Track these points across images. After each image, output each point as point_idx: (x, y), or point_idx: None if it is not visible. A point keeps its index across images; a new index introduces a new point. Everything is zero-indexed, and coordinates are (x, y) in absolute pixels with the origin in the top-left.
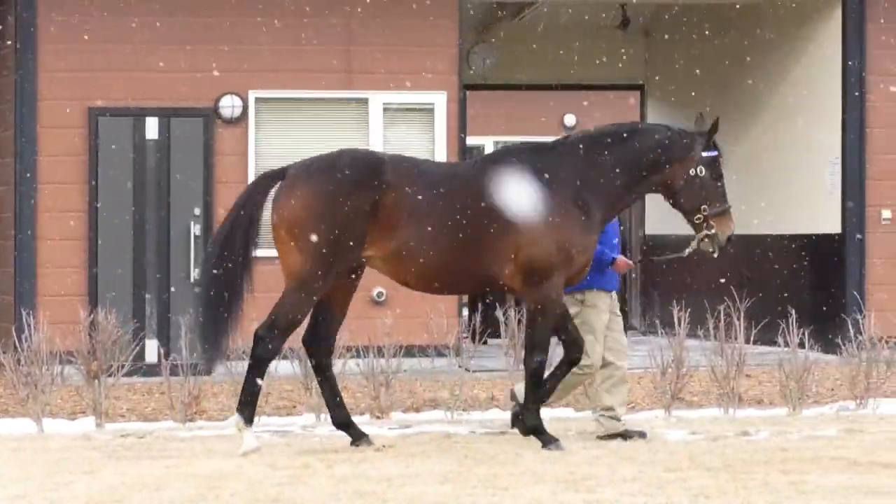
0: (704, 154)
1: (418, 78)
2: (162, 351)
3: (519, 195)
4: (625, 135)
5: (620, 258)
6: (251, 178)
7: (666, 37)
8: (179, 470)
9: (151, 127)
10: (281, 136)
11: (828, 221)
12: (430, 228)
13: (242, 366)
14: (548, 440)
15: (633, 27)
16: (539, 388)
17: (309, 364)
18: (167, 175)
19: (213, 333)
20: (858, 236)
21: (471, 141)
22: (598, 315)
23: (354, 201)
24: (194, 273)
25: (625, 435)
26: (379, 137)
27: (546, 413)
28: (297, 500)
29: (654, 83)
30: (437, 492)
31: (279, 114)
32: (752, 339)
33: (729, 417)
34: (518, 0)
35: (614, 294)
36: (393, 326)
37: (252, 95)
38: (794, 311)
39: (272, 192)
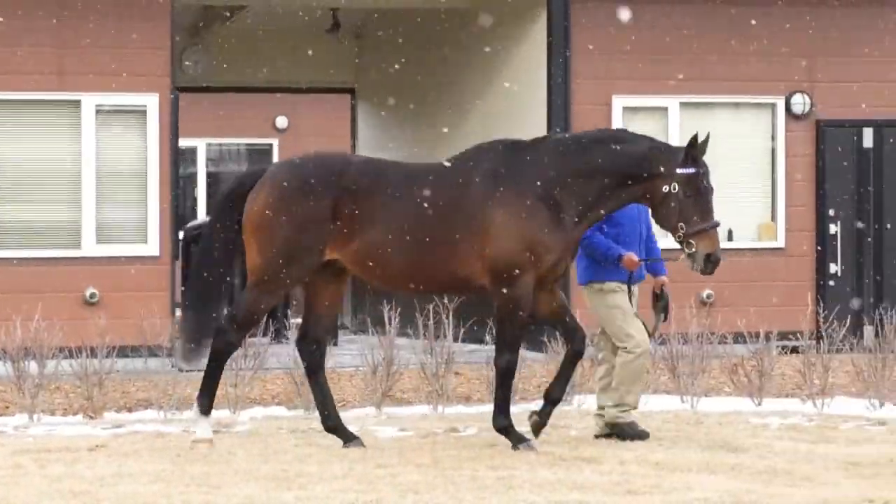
0: (679, 171)
1: (131, 79)
2: None
3: (486, 193)
4: (604, 141)
5: (628, 255)
6: None
7: (377, 41)
8: None
9: None
10: None
11: None
12: (395, 229)
13: None
14: (517, 440)
15: (345, 31)
16: (506, 388)
17: (22, 364)
18: None
19: (195, 332)
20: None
21: (184, 143)
22: (613, 295)
23: (313, 204)
24: None
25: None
26: (92, 140)
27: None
28: (10, 500)
29: (365, 86)
30: (150, 491)
31: None
32: (460, 337)
33: (438, 414)
34: (229, 3)
35: (635, 287)
36: (106, 327)
37: None
38: None
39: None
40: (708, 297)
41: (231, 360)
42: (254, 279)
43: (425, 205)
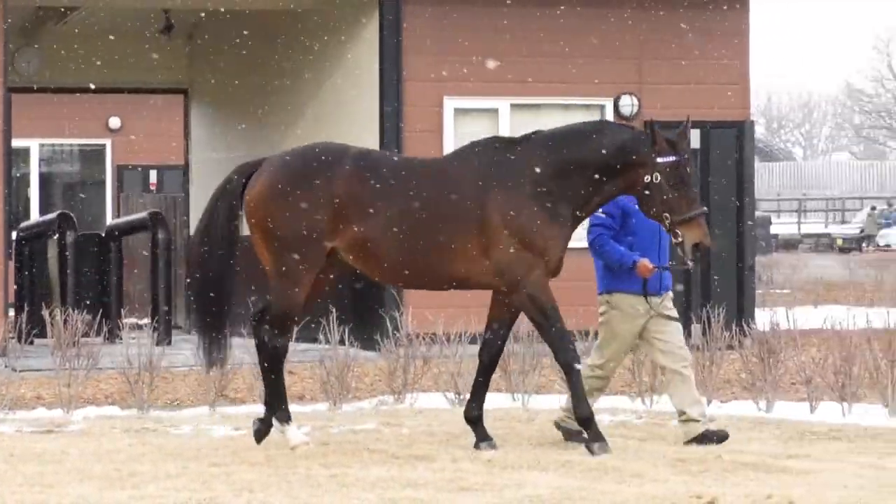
0: (660, 160)
1: None
2: None
3: (480, 192)
4: (589, 134)
5: (642, 262)
6: None
7: (210, 42)
8: None
9: None
10: None
11: None
12: (388, 222)
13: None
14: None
15: (178, 32)
16: (576, 384)
17: None
18: None
19: (212, 334)
20: None
21: (17, 143)
22: (622, 319)
23: (309, 193)
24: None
25: (703, 438)
26: None
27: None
28: None
29: (198, 87)
30: None
31: None
32: (294, 336)
33: None
34: (61, 4)
35: (667, 294)
36: None
37: None
38: (334, 310)
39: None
40: None
41: (65, 360)
42: (271, 274)
43: (419, 199)
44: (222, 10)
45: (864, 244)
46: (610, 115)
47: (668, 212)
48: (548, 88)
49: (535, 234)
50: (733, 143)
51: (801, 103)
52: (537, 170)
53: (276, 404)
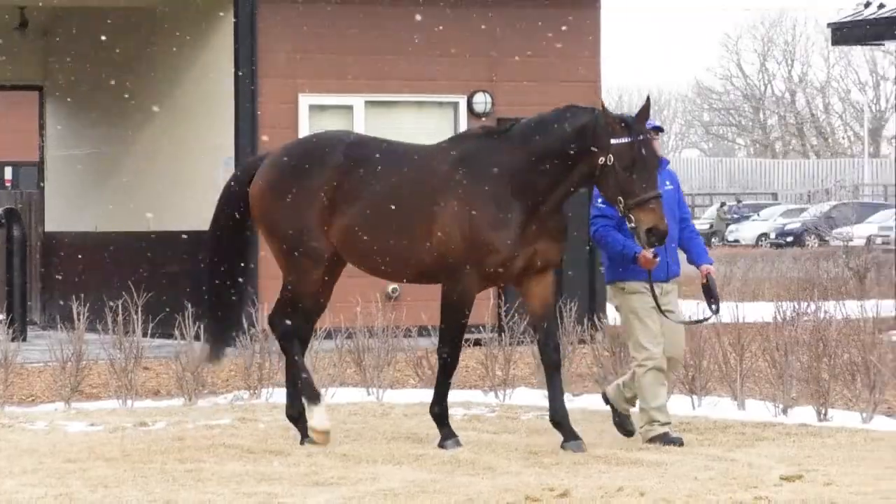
0: (613, 141)
1: None
2: None
3: (444, 182)
4: (555, 121)
5: (643, 254)
6: None
7: (67, 39)
8: None
9: None
10: None
11: None
12: (367, 212)
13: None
14: (446, 435)
15: (33, 28)
16: (445, 382)
17: None
18: None
19: (217, 325)
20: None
21: None
22: (636, 298)
23: (304, 183)
24: None
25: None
26: None
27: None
28: None
29: (54, 84)
30: None
31: None
32: (150, 332)
33: (127, 409)
34: None
35: (675, 283)
36: None
37: None
38: (190, 305)
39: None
40: (393, 291)
41: None
42: (281, 266)
43: (396, 188)
44: (76, 6)
45: (713, 240)
46: (464, 113)
47: (622, 195)
48: (402, 86)
49: (474, 238)
50: None
51: (652, 101)
52: (505, 162)
53: (305, 387)
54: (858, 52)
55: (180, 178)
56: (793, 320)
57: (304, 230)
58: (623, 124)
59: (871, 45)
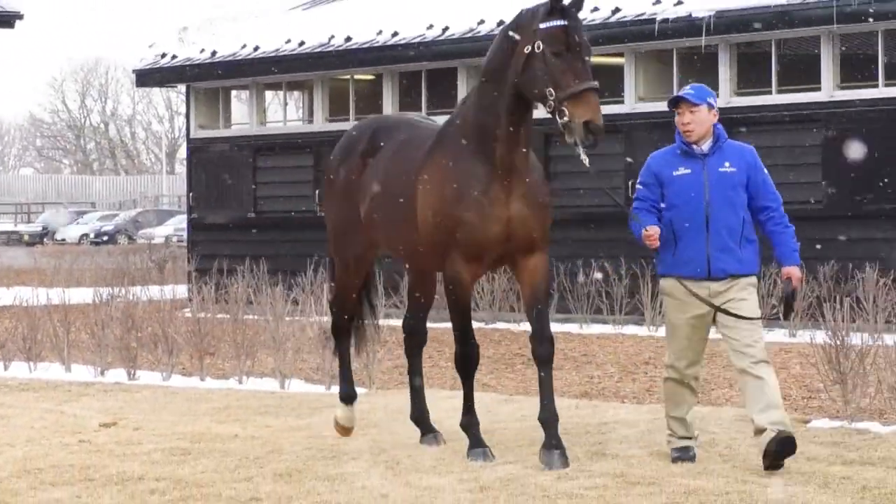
0: (542, 26)
1: None
2: None
3: (417, 160)
4: (490, 49)
5: (645, 232)
6: None
7: None
8: None
9: None
10: None
11: None
12: (378, 196)
13: None
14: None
15: None
16: (466, 384)
17: None
18: None
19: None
20: None
21: None
22: (675, 307)
23: (343, 169)
24: None
25: (772, 452)
26: None
27: None
28: None
29: None
30: None
31: None
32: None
33: None
34: None
35: (737, 282)
36: None
37: None
38: None
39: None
40: None
41: None
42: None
43: (394, 172)
44: None
45: (45, 239)
46: None
47: (553, 86)
48: None
49: (443, 217)
50: None
51: None
52: (464, 117)
53: (342, 380)
54: (157, 93)
55: None
56: (108, 301)
57: (345, 217)
58: (555, 6)
59: (167, 86)
